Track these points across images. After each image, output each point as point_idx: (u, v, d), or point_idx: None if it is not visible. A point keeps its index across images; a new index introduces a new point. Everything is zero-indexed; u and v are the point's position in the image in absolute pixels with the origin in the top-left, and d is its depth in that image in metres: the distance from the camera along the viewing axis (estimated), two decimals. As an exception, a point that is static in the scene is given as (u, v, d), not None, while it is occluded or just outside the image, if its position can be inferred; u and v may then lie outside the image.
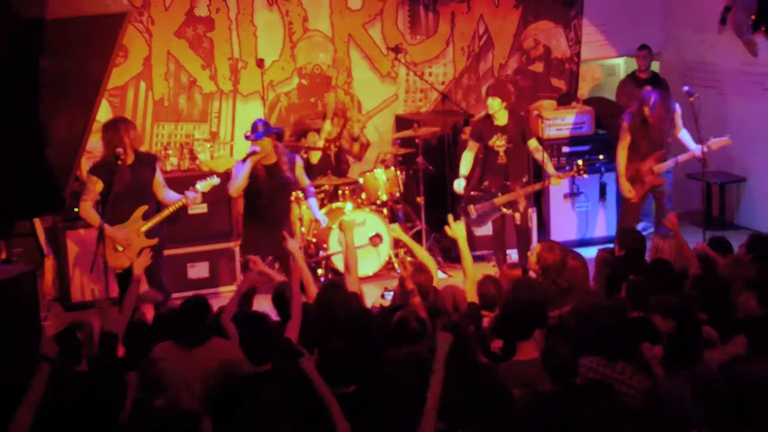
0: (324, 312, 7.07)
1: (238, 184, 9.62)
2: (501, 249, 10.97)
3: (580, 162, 10.57)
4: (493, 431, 5.33)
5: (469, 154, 10.69)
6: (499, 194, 10.52)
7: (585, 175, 10.66)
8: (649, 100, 10.75)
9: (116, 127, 9.06)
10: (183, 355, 6.54)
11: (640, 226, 11.28)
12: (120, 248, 9.07)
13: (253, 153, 9.47)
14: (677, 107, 10.95)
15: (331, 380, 5.75)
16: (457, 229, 8.06)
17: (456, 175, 10.82)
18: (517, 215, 10.52)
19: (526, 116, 11.15)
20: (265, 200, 9.70)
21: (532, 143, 10.59)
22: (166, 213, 9.24)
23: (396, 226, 8.84)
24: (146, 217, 9.15)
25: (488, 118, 10.58)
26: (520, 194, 10.47)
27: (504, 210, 10.58)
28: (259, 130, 9.55)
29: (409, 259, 9.94)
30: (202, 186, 9.35)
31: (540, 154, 10.56)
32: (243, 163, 9.69)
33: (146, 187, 9.17)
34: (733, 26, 12.49)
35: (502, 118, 10.48)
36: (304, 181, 10.05)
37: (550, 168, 10.56)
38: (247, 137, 9.64)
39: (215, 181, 9.49)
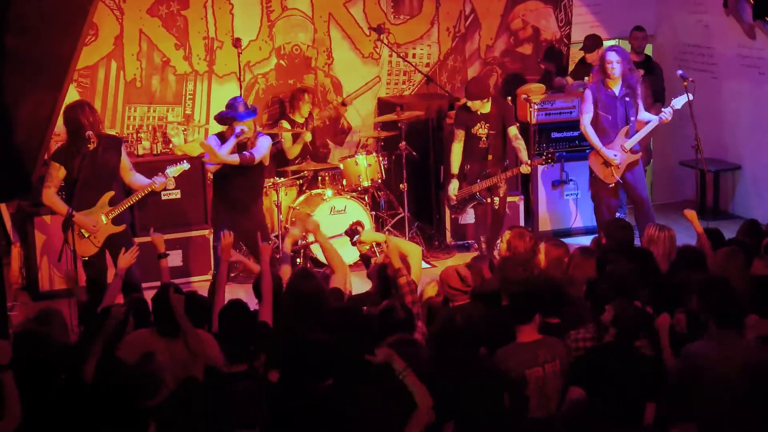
0: (294, 303, 7.03)
1: (224, 157, 9.32)
2: (484, 234, 10.82)
3: (551, 150, 10.56)
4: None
5: (458, 146, 10.60)
6: (479, 181, 10.50)
7: (552, 164, 10.67)
8: (618, 48, 10.63)
9: (81, 110, 8.86)
10: (161, 345, 6.45)
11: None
12: (86, 234, 8.94)
13: (241, 133, 9.08)
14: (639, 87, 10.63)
15: (309, 373, 5.79)
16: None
17: (440, 164, 10.60)
18: (496, 200, 10.53)
19: (508, 102, 11.05)
20: (234, 184, 9.43)
21: (512, 131, 10.52)
22: (133, 199, 9.14)
23: (366, 233, 8.57)
24: (113, 202, 9.01)
25: (467, 107, 10.52)
26: (495, 180, 10.44)
27: (480, 197, 10.57)
28: (240, 110, 9.25)
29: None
30: (172, 171, 9.25)
31: (518, 143, 10.48)
32: (217, 138, 9.39)
33: (112, 172, 9.02)
34: (732, 11, 12.23)
35: (482, 107, 10.43)
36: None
37: (523, 155, 10.42)
38: (230, 115, 9.17)
39: (186, 166, 9.37)
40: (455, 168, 10.57)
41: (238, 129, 9.20)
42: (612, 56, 10.32)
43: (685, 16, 13.04)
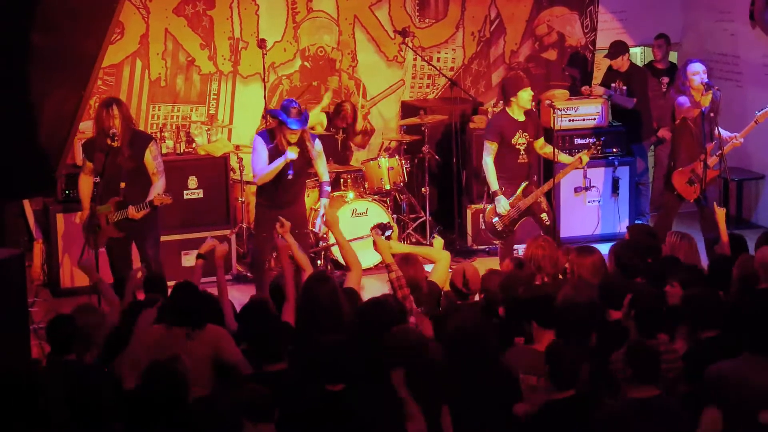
0: (307, 306, 6.94)
1: (267, 178, 9.09)
2: (509, 255, 9.97)
3: (598, 142, 10.51)
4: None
5: (491, 160, 9.80)
6: (522, 196, 9.87)
7: (598, 152, 10.69)
8: (698, 60, 10.21)
9: (104, 107, 8.90)
10: (176, 341, 6.43)
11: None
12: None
13: (291, 169, 9.01)
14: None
15: (322, 376, 5.79)
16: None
17: (464, 168, 10.34)
18: (544, 216, 9.92)
19: (536, 111, 10.56)
20: (279, 185, 9.19)
21: (540, 141, 10.07)
22: (128, 212, 8.92)
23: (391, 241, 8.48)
24: (120, 207, 8.92)
25: (505, 113, 9.94)
26: (540, 193, 9.88)
27: (529, 213, 9.97)
28: (292, 115, 8.93)
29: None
30: (154, 198, 8.93)
31: (548, 149, 10.08)
32: (265, 136, 9.12)
33: (128, 173, 8.94)
34: (759, 20, 12.20)
35: (519, 113, 9.85)
36: (324, 175, 9.43)
37: (563, 157, 10.04)
38: (280, 117, 8.96)
39: (167, 200, 9.00)
40: (495, 184, 9.78)
41: (289, 155, 8.91)
42: (697, 66, 9.97)
43: (711, 24, 12.98)
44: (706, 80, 10.03)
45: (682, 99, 10.03)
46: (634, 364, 5.60)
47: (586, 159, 9.89)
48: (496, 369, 6.03)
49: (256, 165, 9.16)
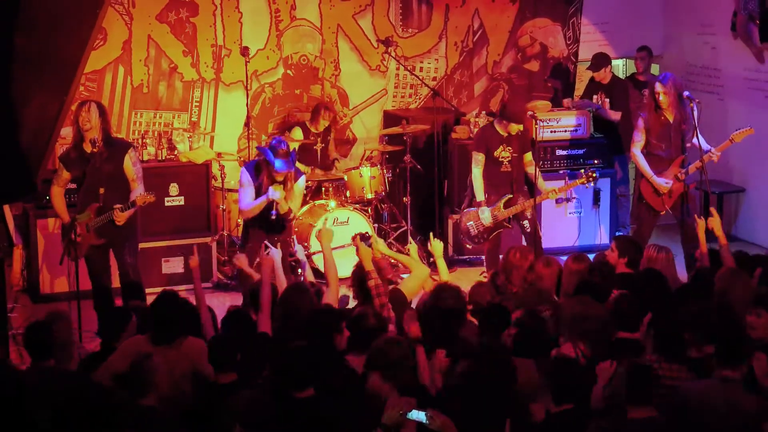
0: (286, 315, 7.01)
1: (250, 213, 9.26)
2: (495, 265, 10.18)
3: (592, 173, 10.27)
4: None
5: (479, 171, 10.18)
6: (502, 208, 10.14)
7: (593, 184, 10.56)
8: (663, 77, 10.27)
9: (83, 110, 8.88)
10: (156, 353, 6.33)
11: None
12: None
13: (276, 211, 9.09)
14: (693, 109, 10.21)
15: (290, 382, 5.77)
16: (435, 246, 8.16)
17: (445, 177, 10.36)
18: (526, 223, 10.18)
19: (528, 128, 10.59)
20: (265, 220, 9.31)
21: (529, 156, 10.32)
22: (108, 217, 8.86)
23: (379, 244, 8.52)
24: (100, 212, 8.86)
25: (492, 127, 10.26)
26: (521, 207, 10.13)
27: (507, 225, 10.20)
28: (280, 156, 9.02)
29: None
30: (137, 198, 8.90)
31: (532, 168, 10.26)
32: (252, 170, 9.24)
33: (107, 179, 8.87)
34: (741, 33, 12.21)
35: (504, 131, 10.17)
36: (294, 211, 9.57)
37: (541, 183, 10.23)
38: (268, 158, 9.05)
39: (150, 199, 8.98)
40: (481, 195, 10.14)
41: (271, 194, 9.01)
42: (658, 87, 10.11)
43: (692, 37, 13.03)
44: (687, 93, 10.13)
45: (637, 135, 10.27)
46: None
47: (554, 196, 10.38)
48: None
49: (242, 200, 9.32)
